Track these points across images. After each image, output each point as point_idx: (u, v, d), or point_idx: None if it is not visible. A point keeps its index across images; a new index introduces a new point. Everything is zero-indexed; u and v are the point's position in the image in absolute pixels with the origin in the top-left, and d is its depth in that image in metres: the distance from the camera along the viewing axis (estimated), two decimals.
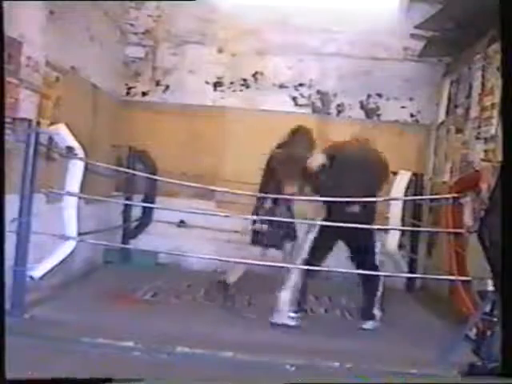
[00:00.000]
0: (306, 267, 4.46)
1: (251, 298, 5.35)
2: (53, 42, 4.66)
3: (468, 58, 5.80)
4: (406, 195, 6.19)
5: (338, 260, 4.75)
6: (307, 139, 4.96)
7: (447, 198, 4.91)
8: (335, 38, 6.86)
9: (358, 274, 4.63)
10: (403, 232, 6.36)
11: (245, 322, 4.58)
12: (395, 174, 6.17)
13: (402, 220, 6.13)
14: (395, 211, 6.06)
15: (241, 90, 7.02)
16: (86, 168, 4.55)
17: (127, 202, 6.62)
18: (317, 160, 4.67)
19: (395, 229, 6.00)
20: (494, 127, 4.79)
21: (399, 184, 6.19)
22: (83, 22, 5.43)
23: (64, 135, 4.43)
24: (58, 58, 4.85)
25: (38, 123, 4.27)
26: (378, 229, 4.86)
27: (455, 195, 4.70)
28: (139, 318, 4.41)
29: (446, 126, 6.38)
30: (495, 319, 3.62)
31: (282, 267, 4.66)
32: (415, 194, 6.37)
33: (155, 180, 6.53)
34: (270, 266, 4.67)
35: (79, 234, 4.53)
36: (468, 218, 4.40)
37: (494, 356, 3.46)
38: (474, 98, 5.49)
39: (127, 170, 6.24)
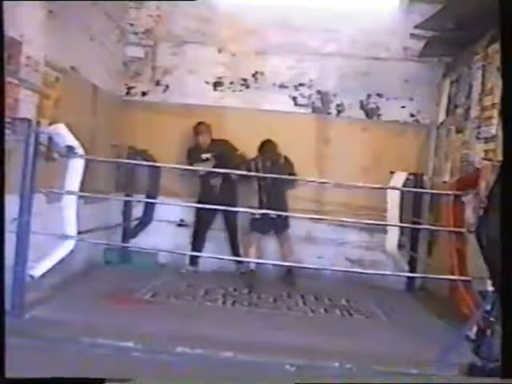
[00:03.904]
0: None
1: None
2: (52, 42, 4.65)
3: (468, 58, 5.79)
4: (402, 197, 6.17)
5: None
6: None
7: (448, 195, 4.92)
8: (335, 38, 6.84)
9: None
10: (403, 231, 6.36)
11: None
12: (392, 174, 6.18)
13: (401, 219, 6.12)
14: (393, 210, 6.05)
15: (241, 90, 7.00)
16: (86, 167, 4.55)
17: (126, 199, 6.61)
18: None
19: (396, 225, 5.99)
20: (494, 127, 4.78)
21: (396, 185, 6.19)
22: (83, 22, 5.43)
23: (64, 135, 4.42)
24: (57, 57, 4.85)
25: (38, 123, 4.26)
26: (378, 225, 4.86)
27: (457, 192, 4.69)
28: (139, 318, 4.41)
29: (446, 126, 6.36)
30: (495, 319, 3.62)
31: None
32: (415, 195, 6.37)
33: (155, 180, 6.54)
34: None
35: (79, 233, 4.53)
36: (469, 217, 4.39)
37: (494, 356, 3.46)
38: (473, 98, 5.49)
39: (128, 161, 6.25)
